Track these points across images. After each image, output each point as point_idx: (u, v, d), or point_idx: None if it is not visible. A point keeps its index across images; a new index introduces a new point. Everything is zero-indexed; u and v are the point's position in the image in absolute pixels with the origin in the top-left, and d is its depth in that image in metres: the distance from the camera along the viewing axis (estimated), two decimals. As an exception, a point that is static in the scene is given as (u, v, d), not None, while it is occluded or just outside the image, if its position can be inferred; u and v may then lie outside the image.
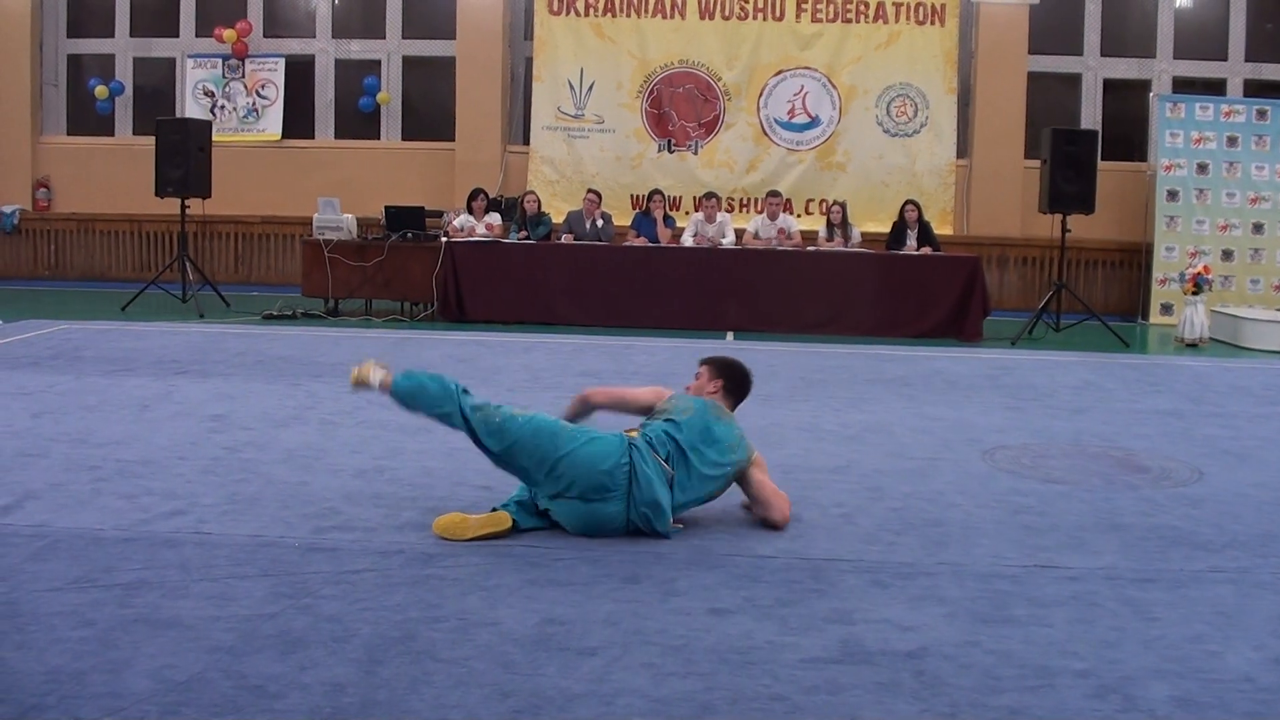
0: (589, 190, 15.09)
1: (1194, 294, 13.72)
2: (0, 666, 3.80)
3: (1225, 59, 17.80)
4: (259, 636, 4.07)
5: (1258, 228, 16.33)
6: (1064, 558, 5.17)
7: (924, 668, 3.92)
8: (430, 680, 3.73)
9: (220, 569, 4.77)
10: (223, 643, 4.01)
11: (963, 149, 17.27)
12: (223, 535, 5.22)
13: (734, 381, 5.87)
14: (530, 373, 9.94)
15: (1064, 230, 14.26)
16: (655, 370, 10.09)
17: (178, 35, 18.48)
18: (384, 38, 18.26)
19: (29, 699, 3.58)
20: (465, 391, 5.34)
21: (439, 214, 15.05)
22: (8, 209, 17.98)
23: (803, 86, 17.06)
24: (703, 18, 17.06)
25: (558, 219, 15.13)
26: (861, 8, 16.94)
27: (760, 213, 15.46)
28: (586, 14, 17.11)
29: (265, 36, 18.28)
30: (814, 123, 17.13)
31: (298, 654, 3.92)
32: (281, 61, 18.13)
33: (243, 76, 18.12)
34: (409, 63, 18.30)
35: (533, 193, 15.12)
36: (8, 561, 4.82)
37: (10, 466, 6.41)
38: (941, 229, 16.04)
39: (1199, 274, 13.86)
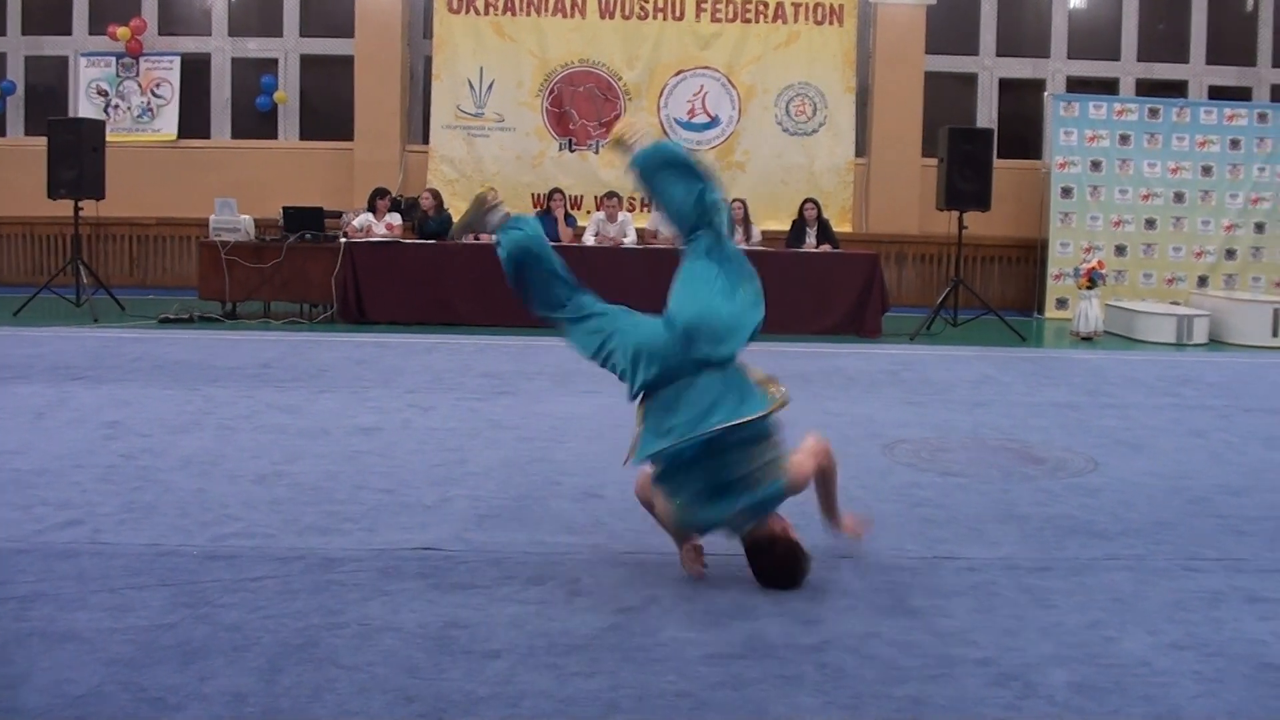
0: (487, 188, 14.99)
1: (1088, 289, 13.97)
2: (-111, 683, 3.72)
3: (1118, 59, 18.15)
4: (158, 647, 4.00)
5: (1150, 223, 16.67)
6: (963, 549, 5.24)
7: (827, 660, 3.96)
8: (333, 687, 3.70)
9: (118, 579, 4.68)
10: (121, 655, 3.94)
11: (861, 148, 17.44)
12: (120, 545, 5.13)
13: None
14: (432, 374, 9.89)
15: (961, 227, 14.46)
16: (557, 370, 10.07)
17: (70, 33, 18.13)
18: (281, 36, 18.07)
19: (-80, 716, 3.50)
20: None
21: (338, 214, 14.90)
22: (-107, 212, 17.56)
23: (702, 86, 17.14)
24: (603, 17, 17.06)
25: (458, 218, 15.01)
26: (761, 8, 17.04)
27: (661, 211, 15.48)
28: (486, 13, 17.04)
29: (160, 35, 18.01)
30: (714, 122, 17.20)
31: (198, 664, 3.87)
32: (177, 60, 17.86)
33: (137, 75, 17.83)
34: (307, 61, 18.11)
35: (429, 191, 15.02)
36: (-104, 574, 4.71)
37: (-103, 477, 6.26)
38: (840, 227, 16.19)
39: (1093, 269, 14.12)
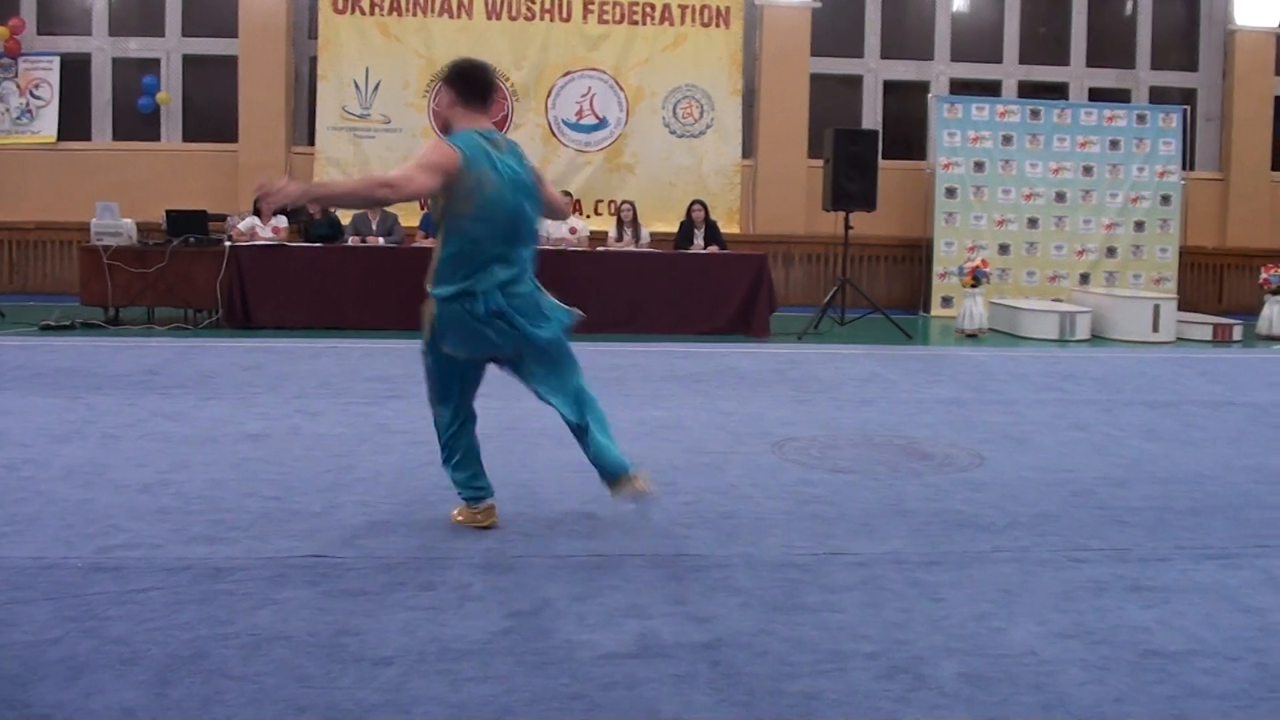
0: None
1: (973, 287, 14.20)
2: None
3: (1000, 61, 18.48)
4: (43, 663, 3.92)
5: (1032, 222, 17.00)
6: (853, 544, 5.31)
7: (720, 658, 3.99)
8: (223, 699, 3.65)
9: (-2, 593, 4.59)
10: (5, 671, 3.86)
11: (748, 149, 17.58)
12: (1, 558, 5.02)
13: (461, 81, 5.32)
14: (320, 379, 9.79)
15: (847, 227, 14.63)
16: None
17: (-57, 34, 17.72)
18: (163, 35, 17.77)
19: None
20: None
21: (223, 217, 14.69)
22: None
23: (590, 88, 17.17)
24: (490, 18, 17.02)
25: (346, 220, 14.91)
26: (648, 10, 17.11)
27: (550, 213, 15.49)
28: (371, 13, 16.92)
29: (39, 34, 17.63)
30: (602, 124, 17.24)
31: (84, 679, 3.80)
32: (56, 60, 17.51)
33: (15, 76, 17.44)
34: (189, 61, 17.84)
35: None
36: None
37: None
38: (728, 228, 16.32)
39: (977, 267, 14.36)
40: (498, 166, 5.15)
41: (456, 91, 5.28)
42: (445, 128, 5.37)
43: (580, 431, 5.52)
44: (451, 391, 5.58)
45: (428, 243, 14.09)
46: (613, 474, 5.41)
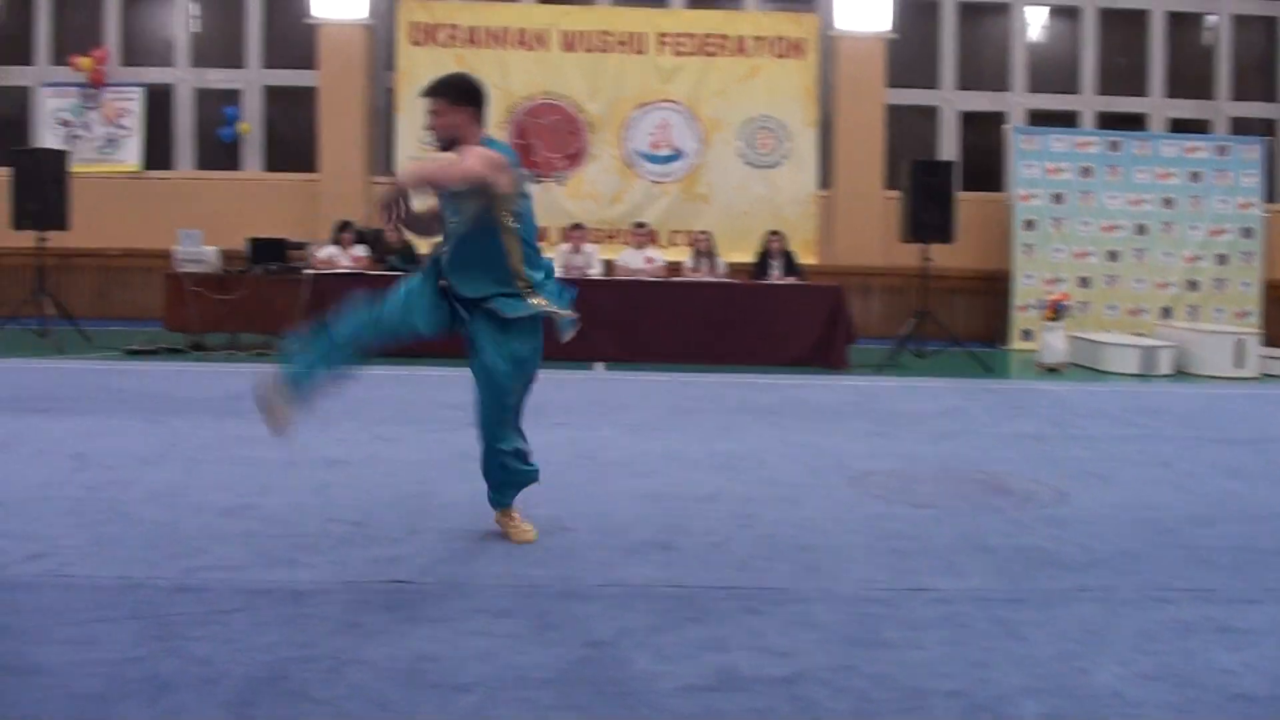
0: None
1: (1053, 320, 14.07)
2: None
3: (1078, 92, 18.34)
4: (127, 681, 3.96)
5: (1113, 255, 16.83)
6: (934, 580, 5.25)
7: (800, 693, 3.95)
8: (304, 720, 3.68)
9: (84, 613, 4.64)
10: (89, 689, 3.90)
11: (825, 180, 17.55)
12: (86, 578, 5.08)
13: (477, 99, 5.65)
14: (397, 405, 9.85)
15: (925, 259, 14.54)
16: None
17: (32, 63, 18.06)
18: (245, 67, 18.04)
19: (-117, 754, 3.46)
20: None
21: (303, 246, 14.86)
22: None
23: (665, 119, 17.22)
24: (565, 50, 17.14)
25: (424, 251, 15.03)
26: (721, 41, 17.15)
27: (626, 244, 15.56)
28: (449, 45, 17.09)
29: (123, 65, 17.96)
30: (677, 155, 17.28)
31: (167, 698, 3.83)
32: (140, 91, 17.82)
33: (100, 106, 17.77)
34: (270, 92, 18.10)
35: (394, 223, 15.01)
36: None
37: None
38: (805, 259, 16.26)
39: (1058, 300, 14.23)
40: None
41: (476, 109, 5.58)
42: (453, 142, 5.52)
43: None
44: None
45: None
46: None
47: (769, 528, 6.12)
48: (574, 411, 9.66)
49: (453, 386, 10.82)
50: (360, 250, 14.52)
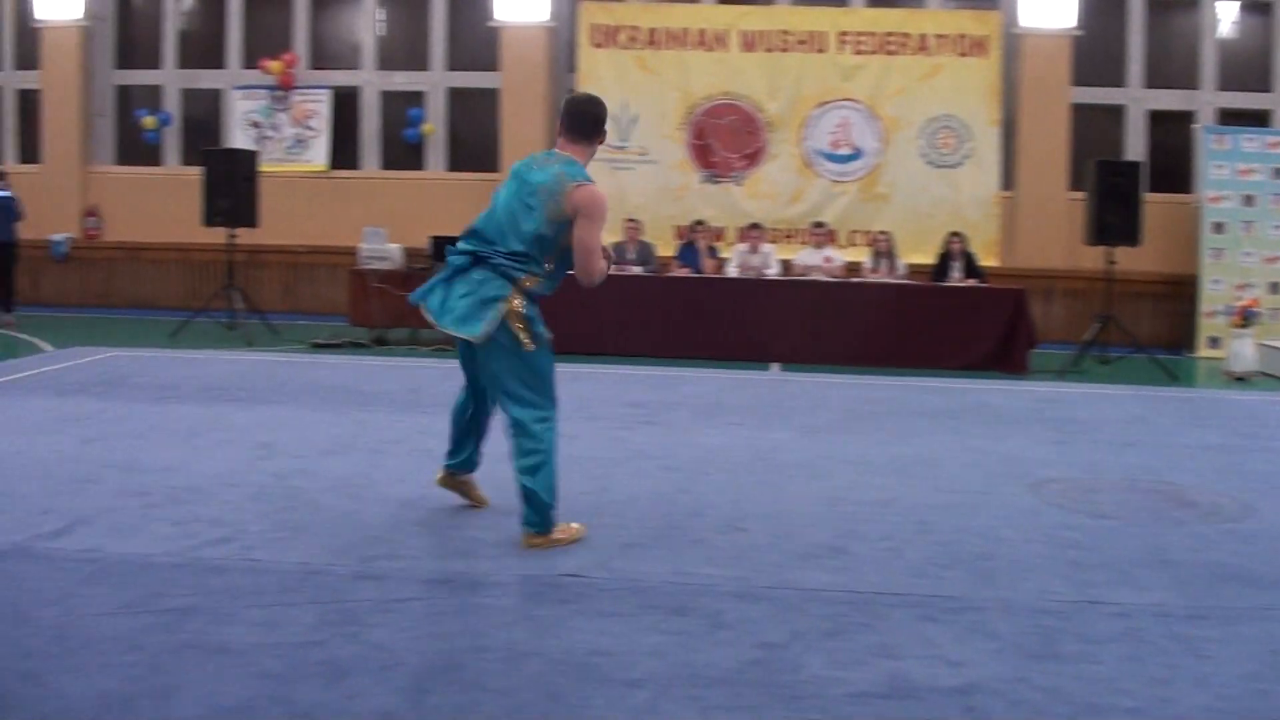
0: (628, 218, 15.14)
1: (1242, 327, 13.61)
2: (52, 689, 3.84)
3: (1271, 90, 17.71)
4: (307, 664, 4.08)
5: (1307, 261, 16.21)
6: (1113, 593, 5.12)
7: (973, 704, 3.90)
8: (478, 710, 3.73)
9: (268, 596, 4.79)
10: (271, 670, 4.03)
11: (1007, 180, 17.21)
12: (271, 562, 5.24)
13: (567, 115, 5.85)
14: (578, 402, 9.93)
15: (1109, 262, 14.19)
16: (701, 402, 10.09)
17: (225, 67, 18.66)
18: (429, 69, 18.39)
19: (80, 723, 3.62)
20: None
21: (484, 244, 15.08)
22: (58, 237, 18.17)
23: (846, 118, 17.06)
24: (745, 50, 17.09)
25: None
26: (903, 40, 16.94)
27: (805, 244, 15.48)
28: (630, 47, 17.18)
29: (311, 68, 18.43)
30: (857, 154, 17.11)
31: (345, 682, 3.94)
32: (328, 93, 18.27)
33: (289, 108, 18.27)
34: (454, 94, 18.40)
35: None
36: (59, 586, 4.87)
37: (61, 492, 6.46)
38: (986, 261, 15.95)
39: (1247, 307, 13.76)
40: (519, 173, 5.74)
41: (564, 127, 5.83)
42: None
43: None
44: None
45: (683, 272, 14.26)
46: None
47: (945, 534, 6.04)
48: (750, 412, 9.65)
49: (632, 383, 10.93)
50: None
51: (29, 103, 18.89)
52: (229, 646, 4.23)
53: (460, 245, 5.69)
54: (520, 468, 5.56)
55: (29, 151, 18.79)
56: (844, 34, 16.98)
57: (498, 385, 5.68)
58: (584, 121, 5.82)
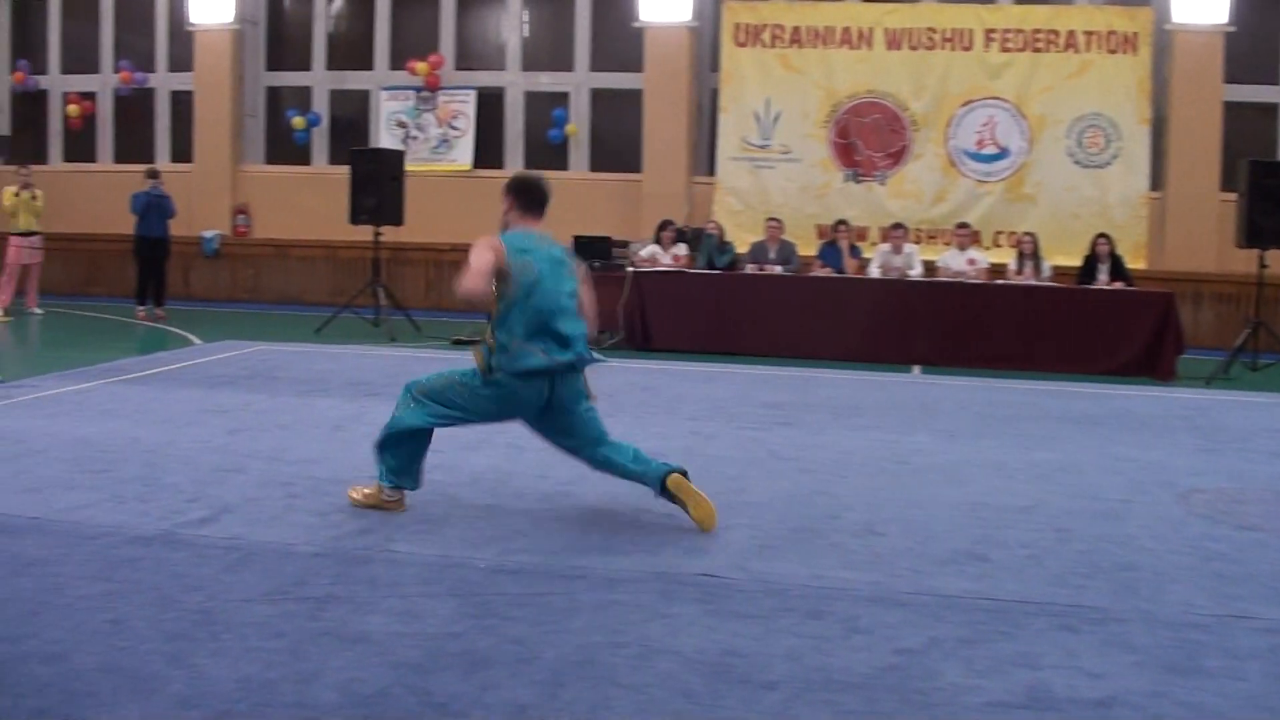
0: (770, 218, 15.10)
1: (1399, 334, 13.13)
2: (195, 672, 3.95)
3: None
4: (444, 654, 4.14)
5: None
6: (1260, 609, 4.97)
7: (1112, 717, 3.82)
8: (611, 706, 3.75)
9: (408, 587, 4.87)
10: (409, 659, 4.09)
11: (1156, 181, 16.81)
12: (411, 554, 5.33)
13: (519, 193, 6.28)
14: (714, 402, 9.95)
15: (1261, 265, 13.79)
16: (838, 403, 10.03)
17: (372, 68, 19.00)
18: (573, 70, 18.51)
19: (221, 705, 3.71)
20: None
21: (625, 244, 15.18)
22: (209, 234, 18.67)
23: (991, 117, 16.82)
24: (890, 48, 16.94)
25: (743, 249, 15.16)
26: (1051, 37, 16.64)
27: (948, 244, 15.30)
28: (773, 45, 17.12)
29: (457, 69, 18.68)
30: (1003, 153, 16.86)
31: (481, 673, 3.98)
32: (473, 94, 18.50)
33: (434, 108, 18.54)
34: (597, 95, 18.51)
35: (714, 222, 15.22)
36: (204, 572, 5.00)
37: (208, 481, 6.64)
38: (1134, 263, 15.60)
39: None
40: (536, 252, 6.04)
41: (514, 200, 6.25)
42: (505, 227, 6.22)
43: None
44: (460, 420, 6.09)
45: (824, 271, 14.20)
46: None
47: (1087, 543, 5.92)
48: (889, 414, 9.56)
49: (770, 384, 10.91)
50: (680, 249, 14.74)
51: (182, 104, 19.48)
52: (368, 635, 4.31)
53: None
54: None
55: (182, 151, 19.35)
56: (990, 31, 16.74)
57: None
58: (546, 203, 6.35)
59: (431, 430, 6.07)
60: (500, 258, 5.86)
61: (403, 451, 6.05)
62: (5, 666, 3.97)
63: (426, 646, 4.22)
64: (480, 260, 5.80)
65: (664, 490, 5.88)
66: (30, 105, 20.29)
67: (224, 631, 4.32)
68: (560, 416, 6.01)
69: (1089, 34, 16.56)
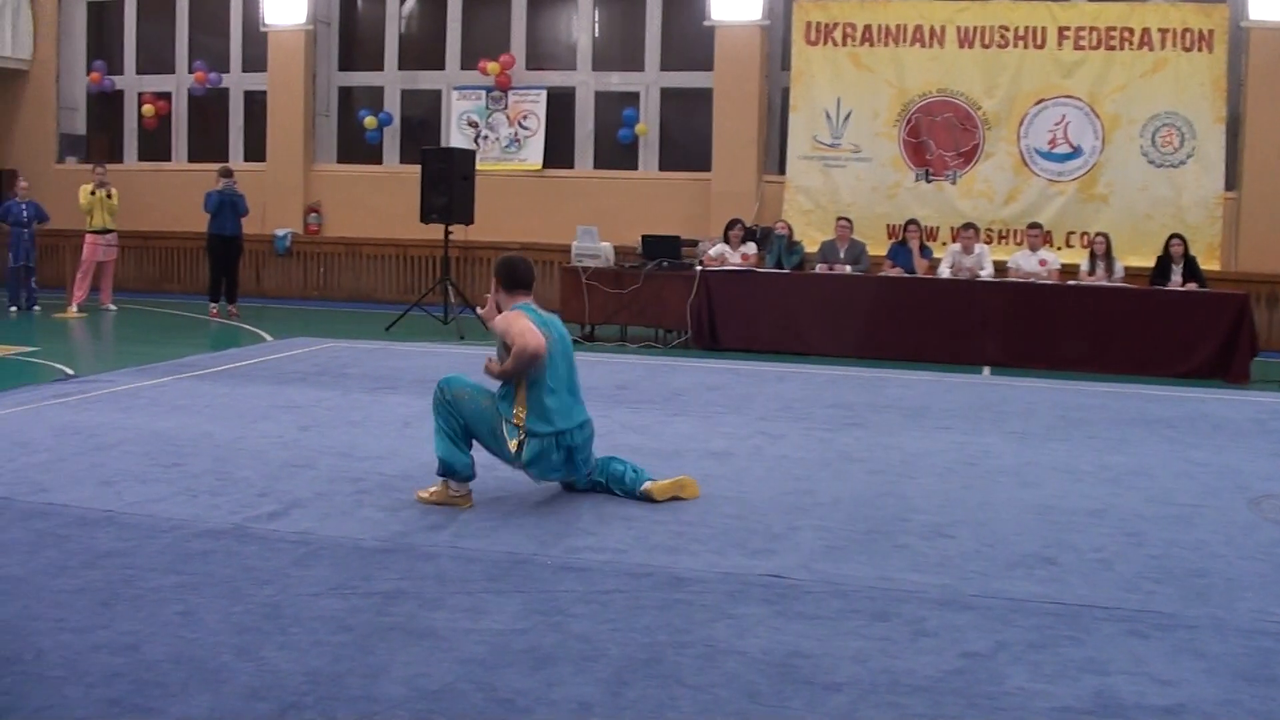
0: (839, 217, 15.03)
1: None
2: (263, 665, 4.00)
3: None
4: (510, 651, 4.17)
5: None
6: (1337, 615, 4.90)
7: (1182, 724, 3.78)
8: (676, 705, 3.76)
9: (475, 583, 4.90)
10: (475, 655, 4.12)
11: (1231, 181, 16.56)
12: (478, 550, 5.37)
13: (504, 275, 6.60)
14: (782, 402, 9.93)
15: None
16: (908, 404, 9.97)
17: (444, 69, 19.10)
18: (643, 70, 18.52)
19: (289, 697, 3.75)
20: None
21: (694, 243, 15.17)
22: (281, 232, 18.85)
23: (1064, 115, 16.63)
24: (962, 46, 16.79)
25: (812, 248, 15.11)
26: (1126, 34, 16.42)
27: (1020, 245, 15.16)
28: (844, 44, 17.03)
29: (527, 69, 18.74)
30: (1076, 153, 16.67)
31: (547, 670, 4.00)
32: (543, 94, 18.55)
33: (505, 108, 18.60)
34: (666, 94, 18.51)
35: (783, 221, 15.18)
36: (273, 566, 5.06)
37: (279, 476, 6.72)
38: (1208, 264, 15.37)
39: None
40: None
41: (500, 281, 6.58)
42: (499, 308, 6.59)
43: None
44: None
45: (894, 271, 14.12)
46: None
47: (1158, 548, 5.85)
48: (959, 416, 9.50)
49: (839, 385, 10.88)
50: (749, 248, 14.71)
51: (255, 104, 19.68)
52: (435, 631, 4.34)
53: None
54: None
55: (255, 151, 19.54)
56: (1064, 29, 16.54)
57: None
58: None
59: (471, 436, 6.31)
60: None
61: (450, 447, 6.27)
62: (77, 656, 4.04)
63: (492, 643, 4.24)
64: (523, 321, 6.27)
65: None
66: (106, 106, 20.59)
67: (292, 625, 4.37)
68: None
69: (1163, 31, 16.33)
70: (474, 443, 6.31)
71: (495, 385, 6.41)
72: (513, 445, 6.18)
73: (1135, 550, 5.77)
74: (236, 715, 3.63)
